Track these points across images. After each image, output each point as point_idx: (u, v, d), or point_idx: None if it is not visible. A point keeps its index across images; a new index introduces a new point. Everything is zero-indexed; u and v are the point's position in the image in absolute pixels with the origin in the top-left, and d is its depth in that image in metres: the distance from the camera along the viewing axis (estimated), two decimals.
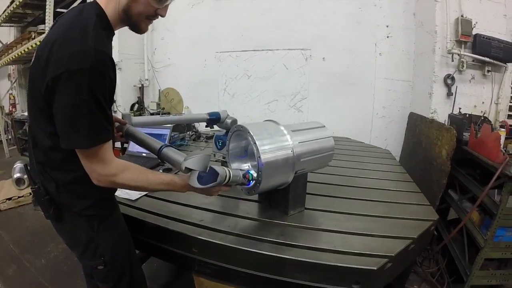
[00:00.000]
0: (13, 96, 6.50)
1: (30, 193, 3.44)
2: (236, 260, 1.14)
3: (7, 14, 4.84)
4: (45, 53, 0.88)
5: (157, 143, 1.23)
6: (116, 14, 1.00)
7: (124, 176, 1.00)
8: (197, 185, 1.07)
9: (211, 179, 1.08)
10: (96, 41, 0.88)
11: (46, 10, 3.77)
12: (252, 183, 1.18)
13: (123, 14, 1.00)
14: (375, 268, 1.01)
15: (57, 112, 0.89)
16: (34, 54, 0.96)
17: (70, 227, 1.09)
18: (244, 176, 1.16)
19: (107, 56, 0.91)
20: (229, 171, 1.11)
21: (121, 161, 1.02)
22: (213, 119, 1.74)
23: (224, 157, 1.70)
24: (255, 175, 1.17)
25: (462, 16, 2.76)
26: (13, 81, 6.46)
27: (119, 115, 1.40)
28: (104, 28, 0.96)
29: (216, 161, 1.79)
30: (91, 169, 0.96)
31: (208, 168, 1.09)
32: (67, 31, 0.89)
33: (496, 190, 1.93)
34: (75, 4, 3.94)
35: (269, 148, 1.15)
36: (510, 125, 2.36)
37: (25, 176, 3.70)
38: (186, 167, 1.07)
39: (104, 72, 0.90)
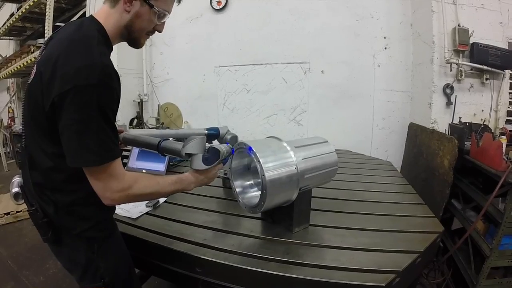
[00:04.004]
0: (12, 110, 6.50)
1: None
2: (241, 280, 1.12)
3: (6, 27, 4.88)
4: (48, 68, 0.86)
5: (155, 140, 1.25)
6: (117, 29, 1.00)
7: (138, 186, 0.98)
8: (203, 166, 1.13)
9: (214, 158, 1.15)
10: (102, 56, 0.88)
11: (46, 24, 3.81)
12: (234, 150, 1.24)
13: (124, 29, 1.01)
14: (384, 285, 1.00)
15: (64, 129, 0.86)
16: (35, 71, 0.94)
17: (69, 250, 1.06)
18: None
19: (113, 70, 0.90)
20: (221, 146, 1.18)
21: (130, 173, 1.00)
22: (212, 134, 1.72)
23: (225, 173, 1.68)
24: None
25: (459, 25, 2.79)
26: (12, 94, 6.47)
27: None
28: (105, 44, 0.96)
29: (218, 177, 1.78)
30: (104, 188, 0.92)
31: (208, 149, 1.16)
32: (70, 46, 0.88)
33: (500, 198, 1.92)
34: (74, 19, 3.99)
35: (273, 166, 1.14)
36: (510, 131, 2.35)
37: None
38: (186, 153, 1.12)
39: (112, 87, 0.89)
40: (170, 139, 1.26)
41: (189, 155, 1.14)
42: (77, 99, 0.83)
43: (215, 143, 1.41)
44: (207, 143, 1.25)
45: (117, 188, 0.93)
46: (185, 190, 1.16)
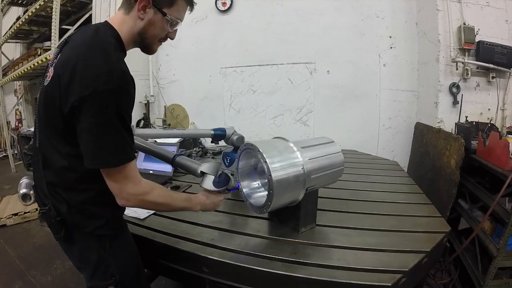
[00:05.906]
0: (19, 112, 6.59)
1: (37, 209, 3.45)
2: (248, 279, 1.12)
3: (13, 30, 4.94)
4: (66, 72, 0.88)
5: (169, 153, 1.38)
6: (131, 36, 1.03)
7: (154, 193, 1.03)
8: (211, 187, 1.21)
9: (224, 183, 1.22)
10: (119, 62, 0.91)
11: (52, 27, 3.85)
12: (239, 185, 1.32)
13: (138, 36, 1.04)
14: (390, 284, 0.99)
15: (83, 132, 0.89)
16: (51, 73, 0.96)
17: (80, 248, 1.08)
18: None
19: (130, 76, 0.93)
20: (231, 176, 1.26)
21: (147, 180, 1.04)
22: (218, 134, 1.73)
23: (232, 174, 1.69)
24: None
25: (464, 23, 2.76)
26: (19, 96, 6.54)
27: None
28: (120, 50, 0.99)
29: None
30: (120, 189, 0.96)
31: (220, 174, 1.25)
32: (88, 52, 0.90)
33: (507, 198, 1.90)
34: (79, 22, 4.04)
35: (280, 166, 1.14)
36: None
37: (31, 192, 3.70)
38: (201, 171, 1.23)
39: (129, 92, 0.92)
40: (182, 155, 1.36)
41: (203, 174, 1.23)
42: (96, 103, 0.85)
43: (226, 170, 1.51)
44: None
45: (133, 191, 0.97)
46: (191, 210, 1.19)
